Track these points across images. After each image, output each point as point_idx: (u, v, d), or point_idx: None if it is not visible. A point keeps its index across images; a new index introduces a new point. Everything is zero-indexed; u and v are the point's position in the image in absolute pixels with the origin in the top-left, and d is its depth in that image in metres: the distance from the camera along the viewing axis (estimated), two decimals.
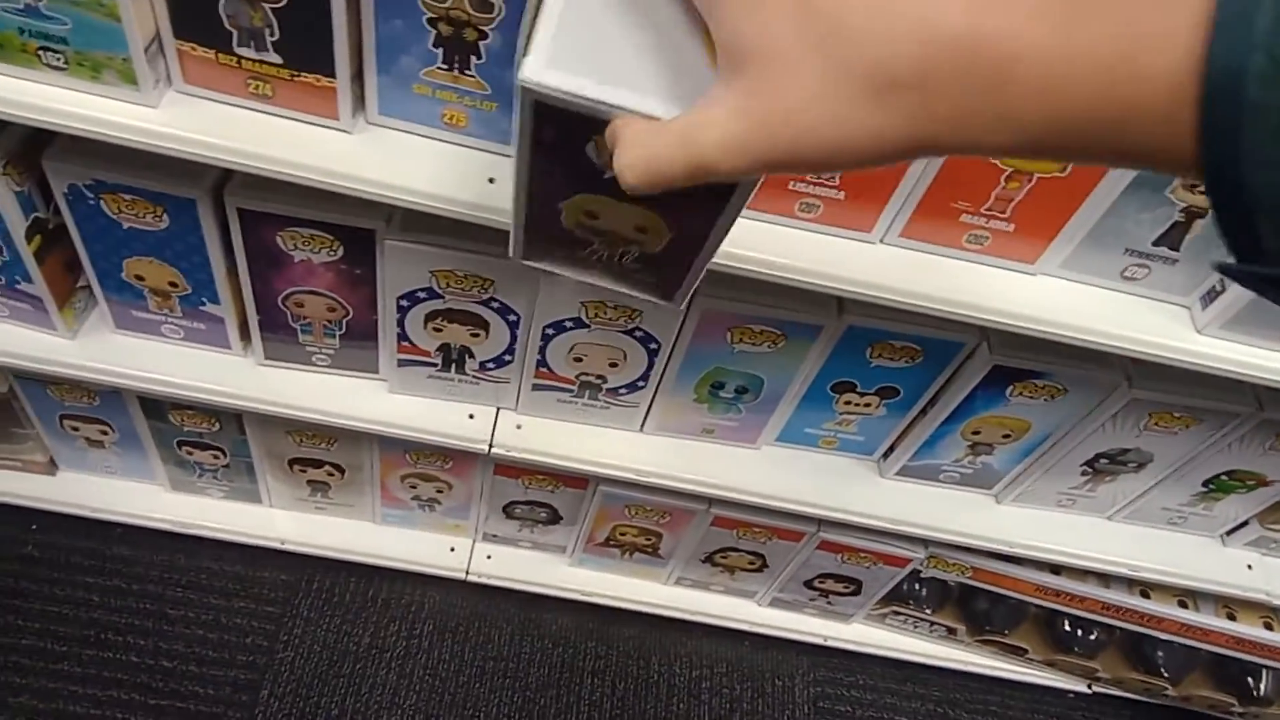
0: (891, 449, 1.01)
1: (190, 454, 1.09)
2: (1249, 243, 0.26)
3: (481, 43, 0.62)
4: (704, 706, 1.27)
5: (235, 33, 0.63)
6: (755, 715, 1.28)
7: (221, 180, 0.76)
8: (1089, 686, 1.34)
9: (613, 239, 0.50)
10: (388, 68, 0.65)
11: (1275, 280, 0.26)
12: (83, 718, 1.10)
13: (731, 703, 1.28)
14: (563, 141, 0.39)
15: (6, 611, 1.14)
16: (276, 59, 0.64)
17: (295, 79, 0.65)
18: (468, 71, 0.65)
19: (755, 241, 0.71)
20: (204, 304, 0.87)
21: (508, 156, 0.70)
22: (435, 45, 0.63)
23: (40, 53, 0.63)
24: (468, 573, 1.23)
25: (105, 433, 1.08)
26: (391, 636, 1.23)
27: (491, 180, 0.69)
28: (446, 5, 0.60)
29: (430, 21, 0.62)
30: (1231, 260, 0.27)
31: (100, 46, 0.62)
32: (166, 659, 1.15)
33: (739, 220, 0.72)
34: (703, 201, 0.43)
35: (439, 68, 0.65)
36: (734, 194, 0.42)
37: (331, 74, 0.65)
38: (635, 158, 0.34)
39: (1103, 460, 0.95)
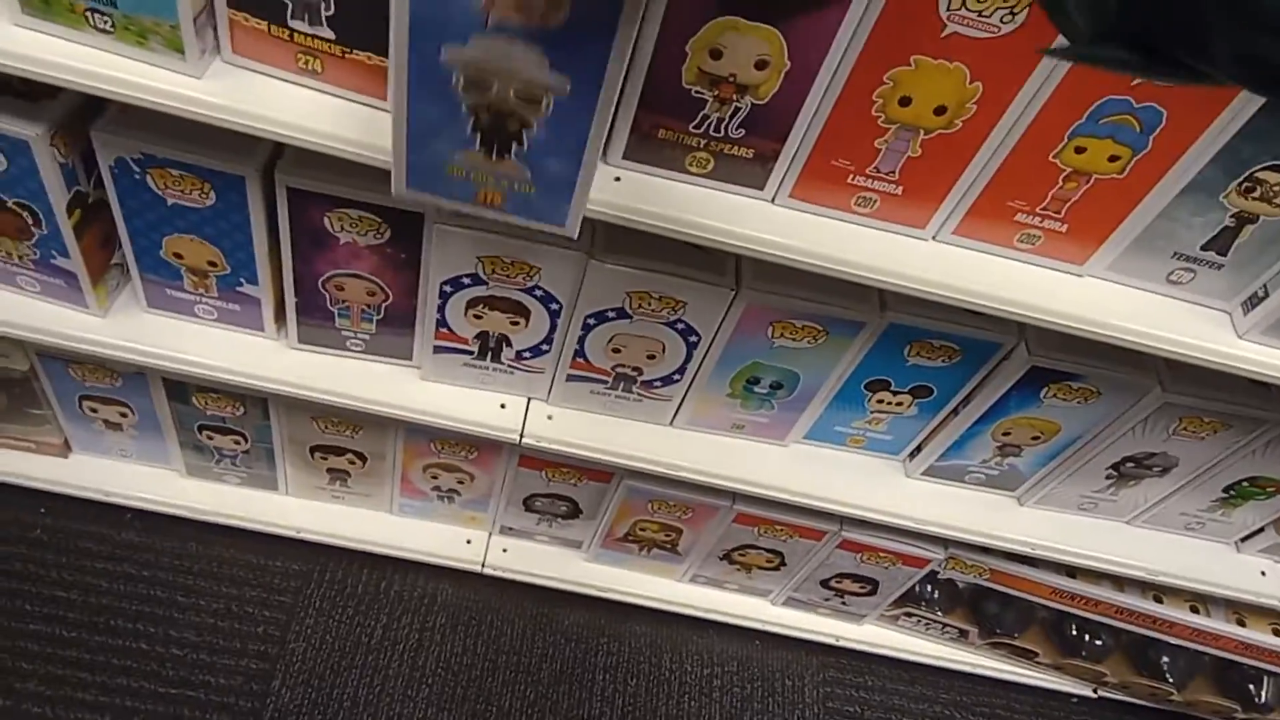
0: (919, 449, 1.01)
1: (210, 439, 1.08)
2: (1068, 26, 0.30)
3: (525, 131, 0.56)
4: (715, 704, 1.27)
5: (290, 5, 0.62)
6: (765, 714, 1.28)
7: (272, 159, 0.76)
8: (1095, 691, 1.35)
9: (729, 89, 0.62)
10: (420, 150, 0.58)
11: (1090, 56, 0.30)
12: (91, 705, 1.08)
13: (742, 701, 1.28)
14: None
15: (14, 596, 1.12)
16: (329, 34, 0.64)
17: (346, 56, 0.65)
18: (506, 157, 0.58)
19: (809, 234, 0.72)
20: (241, 285, 0.86)
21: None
22: (473, 130, 0.57)
23: (88, 14, 0.62)
24: (483, 565, 1.23)
25: (125, 415, 1.07)
26: (404, 628, 1.22)
27: None
28: (489, 98, 0.53)
29: (470, 109, 0.55)
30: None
31: (149, 11, 0.61)
32: (177, 647, 1.14)
33: (791, 213, 0.74)
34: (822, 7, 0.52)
35: (477, 151, 0.58)
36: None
37: (384, 53, 0.64)
38: None
39: (1129, 464, 0.97)
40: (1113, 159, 0.66)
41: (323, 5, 0.62)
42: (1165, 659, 1.27)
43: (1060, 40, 0.31)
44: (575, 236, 0.63)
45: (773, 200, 0.72)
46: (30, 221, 0.80)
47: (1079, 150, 0.66)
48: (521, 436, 0.96)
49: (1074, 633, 1.26)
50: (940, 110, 0.64)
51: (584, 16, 0.45)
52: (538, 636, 1.26)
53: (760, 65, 0.62)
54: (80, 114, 0.75)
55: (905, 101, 0.64)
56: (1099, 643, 1.26)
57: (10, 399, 1.06)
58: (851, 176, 0.70)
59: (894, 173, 0.69)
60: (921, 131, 0.66)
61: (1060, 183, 0.68)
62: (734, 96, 0.64)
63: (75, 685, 1.08)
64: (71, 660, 1.10)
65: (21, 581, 1.14)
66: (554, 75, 0.50)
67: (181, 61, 0.63)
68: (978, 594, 1.23)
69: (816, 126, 0.66)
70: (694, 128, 0.66)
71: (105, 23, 0.62)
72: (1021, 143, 0.66)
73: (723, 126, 0.66)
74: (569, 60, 0.49)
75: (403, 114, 0.55)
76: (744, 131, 0.66)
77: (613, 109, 0.54)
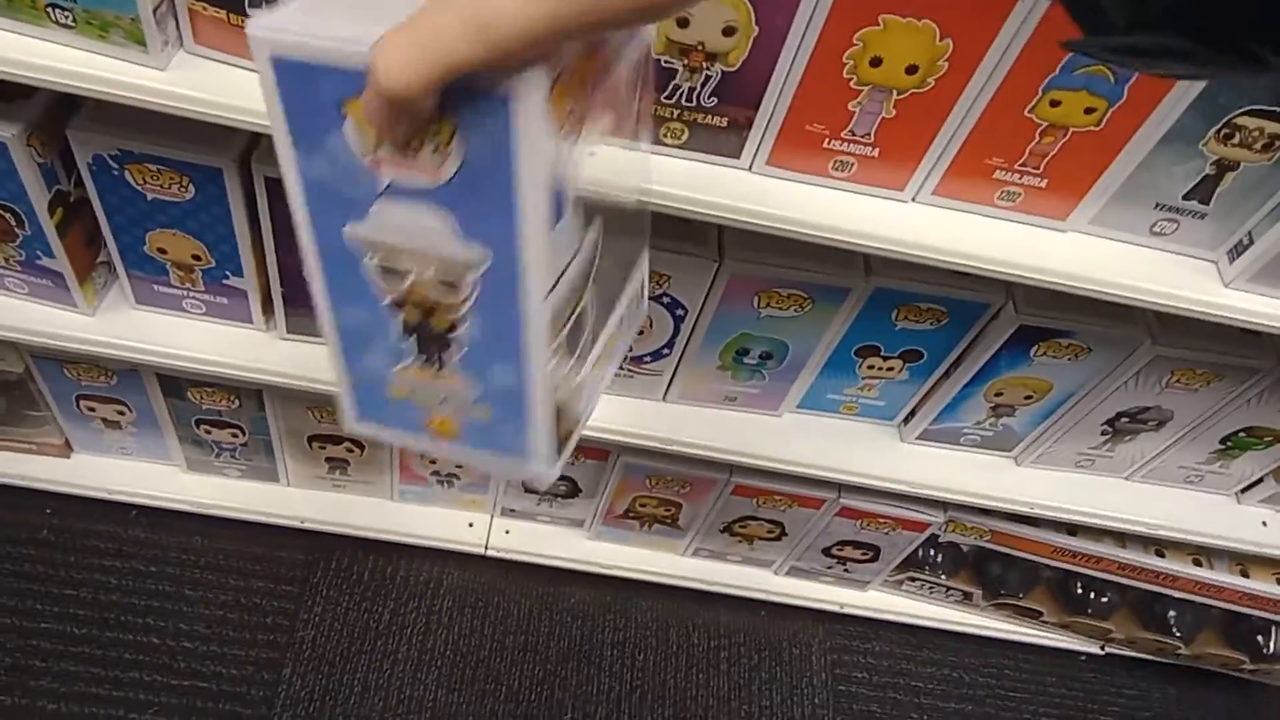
0: (913, 413, 1.01)
1: (208, 433, 1.09)
2: (1097, 18, 0.28)
3: (456, 328, 0.43)
4: (722, 676, 1.28)
5: None
6: (773, 683, 1.29)
7: (248, 149, 0.76)
8: (1102, 648, 1.36)
9: (698, 57, 0.59)
10: (358, 366, 0.46)
11: (1123, 48, 0.28)
12: (104, 700, 1.09)
13: (749, 671, 1.29)
14: None
15: (25, 596, 1.14)
16: None
17: None
18: (444, 368, 0.46)
19: (788, 201, 0.71)
20: (227, 277, 0.87)
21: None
22: (405, 334, 0.44)
23: (49, 9, 0.62)
24: (486, 548, 1.23)
25: (122, 413, 1.07)
26: (411, 613, 1.23)
27: None
28: (410, 288, 0.42)
29: (394, 304, 0.43)
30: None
31: (109, 4, 0.61)
32: (187, 640, 1.15)
33: (770, 180, 0.73)
34: None
35: (413, 362, 0.46)
36: None
37: None
38: (403, 58, 0.30)
39: (1123, 419, 0.96)
40: (1089, 111, 0.66)
41: None
42: (1172, 613, 1.27)
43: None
44: (548, 471, 0.47)
45: (750, 168, 0.72)
46: (13, 223, 0.81)
47: (1054, 104, 0.65)
48: None
49: (1079, 591, 1.26)
50: (912, 69, 0.64)
51: (477, 158, 0.34)
52: (544, 616, 1.26)
53: (728, 31, 0.61)
54: (56, 113, 0.75)
55: (876, 62, 0.63)
56: (1105, 600, 1.26)
57: (9, 401, 1.06)
58: (827, 140, 0.69)
59: (869, 135, 0.69)
60: (894, 92, 0.65)
61: (1037, 137, 0.68)
62: (704, 64, 0.64)
63: (89, 681, 1.10)
64: (84, 657, 1.11)
65: (31, 581, 1.15)
66: (467, 245, 0.37)
67: (144, 54, 0.63)
68: (980, 556, 1.23)
69: (789, 91, 0.65)
70: (666, 98, 0.66)
71: (66, 18, 0.62)
72: (995, 99, 0.65)
73: (694, 96, 0.66)
74: (478, 222, 0.36)
75: (328, 320, 0.43)
76: (716, 100, 0.66)
77: (550, 283, 0.39)
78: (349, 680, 1.17)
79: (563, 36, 0.30)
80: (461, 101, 0.32)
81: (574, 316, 0.42)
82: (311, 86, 0.35)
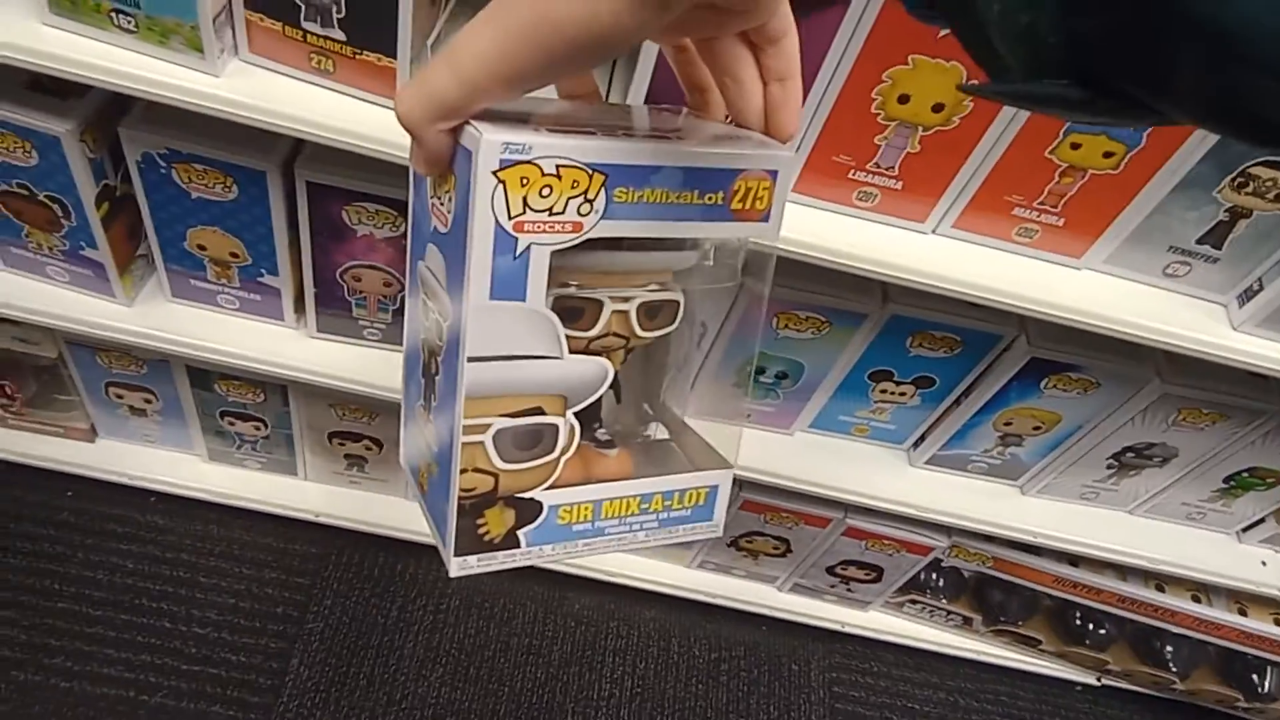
0: (922, 438, 1.03)
1: (232, 424, 1.11)
2: (996, 64, 0.27)
3: (436, 381, 0.44)
4: (722, 688, 1.29)
5: (303, 7, 0.65)
6: (771, 698, 1.30)
7: (291, 155, 0.78)
8: (1098, 679, 1.37)
9: None
10: (407, 399, 0.49)
11: (1020, 95, 0.27)
12: (115, 681, 1.12)
13: (749, 685, 1.30)
14: None
15: (42, 576, 1.16)
16: (341, 35, 0.66)
17: (357, 57, 0.67)
18: (430, 415, 0.45)
19: (812, 227, 0.74)
20: (262, 275, 0.89)
21: None
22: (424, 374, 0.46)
23: (112, 14, 0.64)
24: None
25: (149, 401, 1.10)
26: (419, 610, 1.25)
27: None
28: (428, 324, 0.43)
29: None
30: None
31: (171, 12, 0.64)
32: (199, 626, 1.17)
33: (795, 208, 0.75)
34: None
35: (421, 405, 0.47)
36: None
37: (393, 54, 0.66)
38: (409, 95, 0.34)
39: (1129, 454, 0.98)
40: (1107, 155, 0.68)
41: (334, 8, 0.65)
42: (1168, 648, 1.28)
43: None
44: (449, 560, 0.42)
45: None
46: (60, 214, 0.83)
47: (1074, 146, 0.68)
48: None
49: (1077, 621, 1.28)
50: (938, 107, 0.66)
51: (459, 210, 0.37)
52: (549, 619, 1.28)
53: None
54: (108, 111, 0.78)
55: (904, 99, 0.66)
56: (1102, 631, 1.28)
57: (39, 385, 1.09)
58: (852, 172, 0.72)
59: (894, 168, 0.71)
60: (920, 128, 0.68)
61: (1056, 178, 0.70)
62: None
63: (101, 661, 1.12)
64: (98, 638, 1.14)
65: (50, 562, 1.18)
66: (448, 293, 0.39)
67: (201, 60, 0.66)
68: (982, 582, 1.25)
69: (818, 124, 0.68)
70: None
71: (129, 23, 0.65)
72: (1017, 139, 0.68)
73: None
74: (453, 273, 0.38)
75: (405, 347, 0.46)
76: None
77: (480, 350, 0.38)
78: (354, 673, 1.19)
79: (518, 74, 0.33)
80: (459, 156, 0.36)
81: (531, 415, 0.41)
82: None
